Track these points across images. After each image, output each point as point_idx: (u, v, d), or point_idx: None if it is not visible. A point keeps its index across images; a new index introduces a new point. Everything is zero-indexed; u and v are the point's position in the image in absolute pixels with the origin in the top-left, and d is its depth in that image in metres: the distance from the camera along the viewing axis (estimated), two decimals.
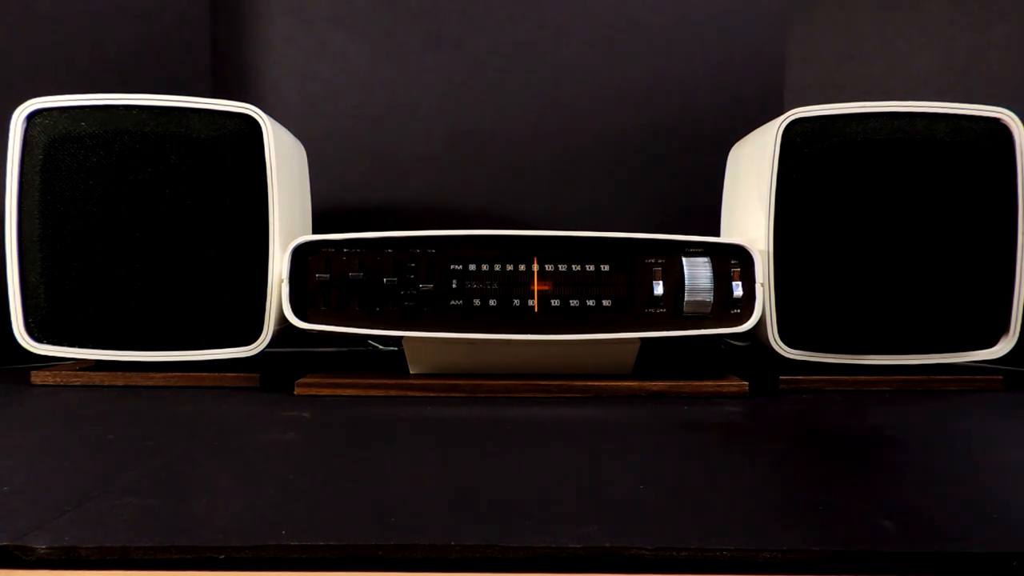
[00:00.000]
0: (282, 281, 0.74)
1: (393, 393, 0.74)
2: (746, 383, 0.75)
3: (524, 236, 0.75)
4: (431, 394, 0.74)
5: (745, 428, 0.62)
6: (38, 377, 0.79)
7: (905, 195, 0.76)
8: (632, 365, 0.79)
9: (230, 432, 0.59)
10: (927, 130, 0.76)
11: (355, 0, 1.11)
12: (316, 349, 1.02)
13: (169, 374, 0.77)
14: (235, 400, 0.71)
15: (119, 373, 0.77)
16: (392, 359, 0.89)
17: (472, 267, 0.74)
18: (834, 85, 0.96)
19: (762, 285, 0.75)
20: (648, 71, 1.09)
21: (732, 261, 0.75)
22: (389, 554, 0.35)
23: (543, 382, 0.75)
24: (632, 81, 1.09)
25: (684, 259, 0.75)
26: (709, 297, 0.74)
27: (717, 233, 0.96)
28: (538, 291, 0.74)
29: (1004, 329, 0.78)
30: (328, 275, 0.74)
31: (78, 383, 0.78)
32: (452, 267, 0.74)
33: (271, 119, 0.78)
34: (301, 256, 0.74)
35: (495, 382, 0.75)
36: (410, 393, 0.74)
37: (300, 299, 0.74)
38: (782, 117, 0.76)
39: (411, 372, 0.79)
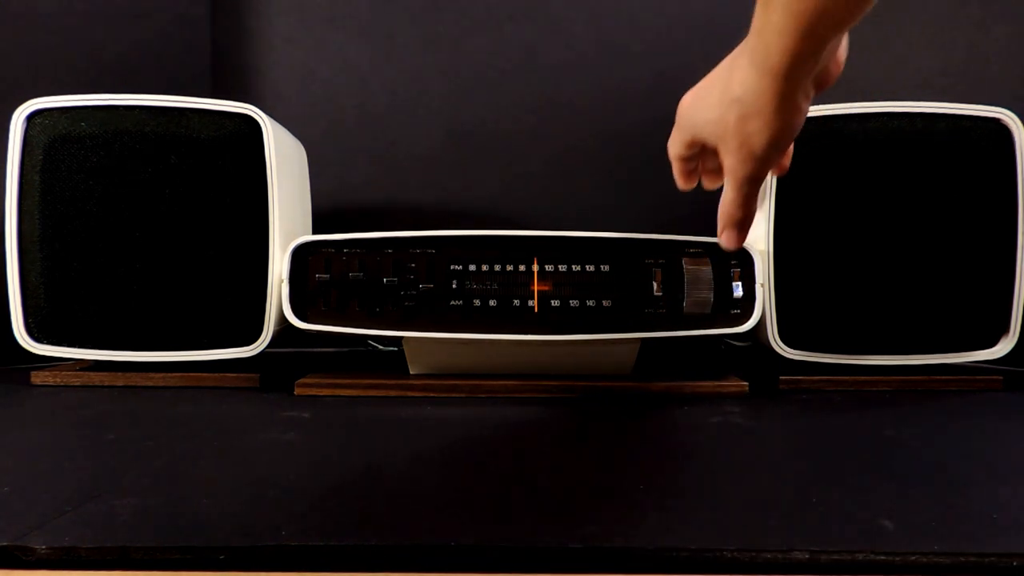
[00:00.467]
0: (282, 281, 0.74)
1: (393, 393, 0.74)
2: (746, 383, 0.75)
3: (524, 236, 0.75)
4: (431, 394, 0.74)
5: (745, 428, 0.61)
6: (38, 377, 0.78)
7: (905, 195, 0.76)
8: (632, 365, 0.79)
9: (230, 432, 0.59)
10: (927, 130, 0.76)
11: (355, 0, 1.11)
12: (316, 349, 1.02)
13: (169, 374, 0.77)
14: (235, 400, 0.71)
15: (119, 373, 0.77)
16: (392, 359, 0.89)
17: (472, 267, 0.74)
18: (834, 85, 0.96)
19: (762, 285, 0.75)
20: (648, 71, 1.09)
21: (732, 261, 0.75)
22: (389, 554, 0.35)
23: (543, 382, 0.75)
24: (632, 81, 1.09)
25: (684, 259, 0.74)
26: (709, 297, 0.74)
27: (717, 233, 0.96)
28: (538, 291, 0.74)
29: (1004, 329, 0.78)
30: (328, 275, 0.74)
31: (78, 383, 0.78)
32: (452, 267, 0.74)
33: (271, 119, 0.78)
34: (301, 256, 0.74)
35: (495, 382, 0.75)
36: (410, 393, 0.74)
37: (300, 299, 0.74)
38: None
39: (411, 372, 0.79)
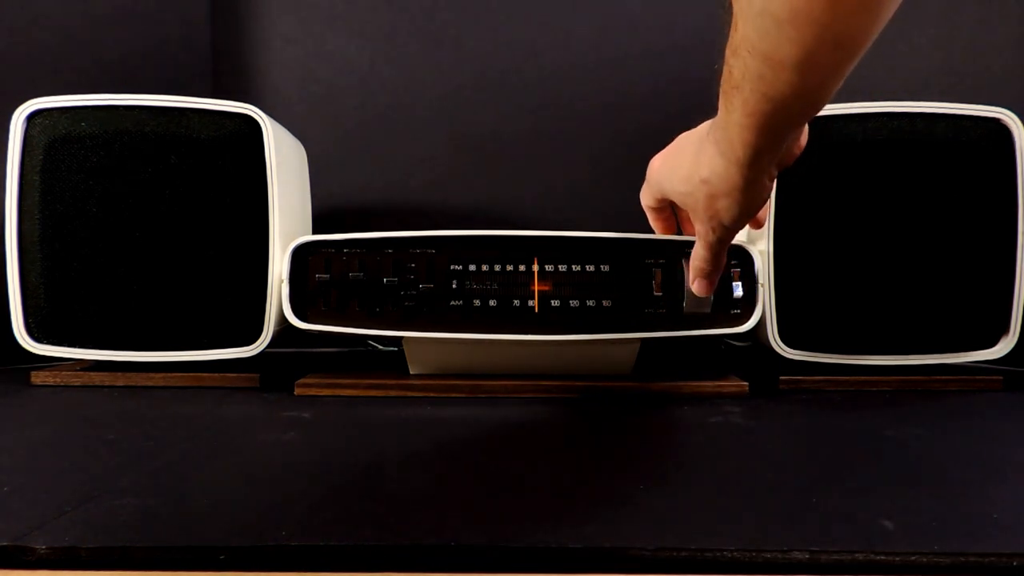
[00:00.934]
0: (282, 281, 0.74)
1: (393, 393, 0.74)
2: (746, 383, 0.75)
3: (524, 236, 0.75)
4: (431, 394, 0.74)
5: (745, 428, 0.61)
6: (38, 377, 0.78)
7: (905, 195, 0.76)
8: (632, 365, 0.79)
9: (230, 432, 0.59)
10: (927, 130, 0.76)
11: (355, 0, 1.11)
12: (316, 349, 1.02)
13: (169, 374, 0.77)
14: (235, 400, 0.71)
15: (119, 373, 0.77)
16: (392, 359, 0.89)
17: (472, 267, 0.74)
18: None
19: (762, 285, 0.75)
20: (649, 71, 1.09)
21: (732, 261, 0.75)
22: (389, 554, 0.35)
23: (543, 382, 0.74)
24: (633, 81, 1.09)
25: (684, 259, 0.74)
26: (709, 297, 0.74)
27: None
28: (538, 291, 0.74)
29: (1004, 329, 0.78)
30: (328, 275, 0.74)
31: (78, 383, 0.78)
32: (452, 267, 0.74)
33: (271, 119, 0.78)
34: (301, 256, 0.74)
35: (495, 382, 0.75)
36: (410, 393, 0.74)
37: (300, 299, 0.74)
38: None
39: (411, 372, 0.79)
